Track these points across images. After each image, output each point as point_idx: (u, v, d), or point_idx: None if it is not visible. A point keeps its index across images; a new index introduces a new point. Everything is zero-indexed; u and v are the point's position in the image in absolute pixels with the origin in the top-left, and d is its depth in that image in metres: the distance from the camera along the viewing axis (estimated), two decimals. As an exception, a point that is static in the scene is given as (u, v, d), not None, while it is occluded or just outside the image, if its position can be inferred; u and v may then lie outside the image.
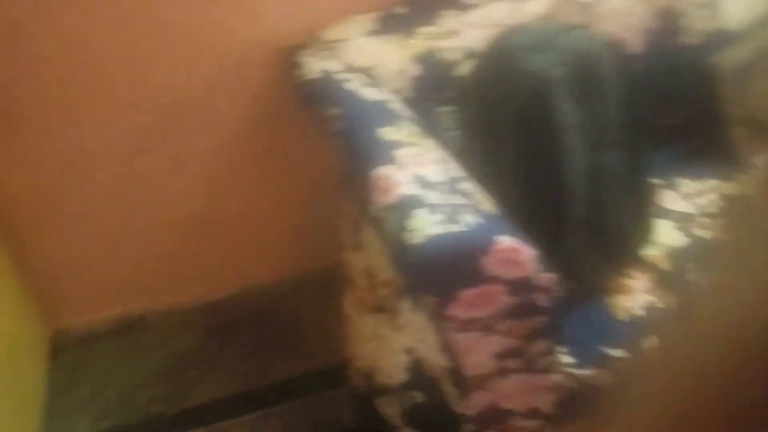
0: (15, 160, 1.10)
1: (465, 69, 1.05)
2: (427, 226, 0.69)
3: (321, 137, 1.13)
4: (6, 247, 1.16)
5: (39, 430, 1.17)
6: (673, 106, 1.11)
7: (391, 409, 1.01)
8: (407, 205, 0.72)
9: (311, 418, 1.24)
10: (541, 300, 0.72)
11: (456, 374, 0.79)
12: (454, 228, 0.69)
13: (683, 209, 1.02)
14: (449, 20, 1.09)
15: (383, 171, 0.79)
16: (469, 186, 0.78)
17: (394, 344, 0.96)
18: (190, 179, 1.22)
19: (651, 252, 0.94)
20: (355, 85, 0.98)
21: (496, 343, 0.74)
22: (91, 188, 1.16)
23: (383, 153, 0.82)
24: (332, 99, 0.96)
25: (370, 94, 0.97)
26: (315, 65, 1.03)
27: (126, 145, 1.13)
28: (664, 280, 0.91)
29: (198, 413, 1.25)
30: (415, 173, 0.78)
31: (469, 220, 0.70)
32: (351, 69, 1.02)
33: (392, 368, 0.96)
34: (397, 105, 0.96)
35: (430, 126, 0.94)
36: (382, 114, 0.91)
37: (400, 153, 0.81)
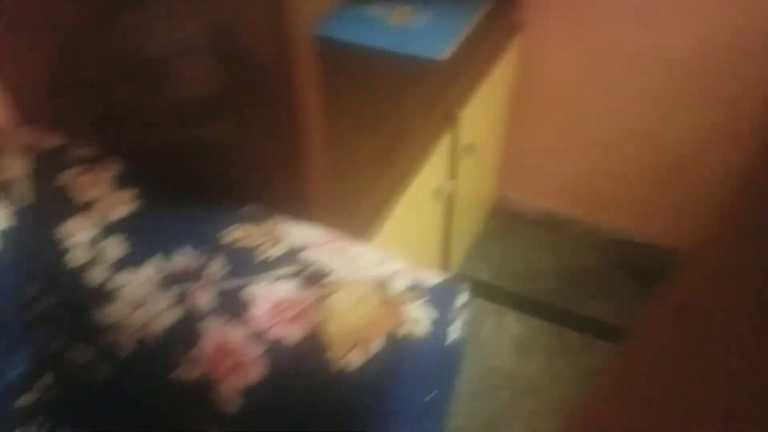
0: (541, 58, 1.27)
1: None
2: None
3: None
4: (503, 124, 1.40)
5: (462, 259, 1.46)
6: None
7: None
8: None
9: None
10: None
11: None
12: None
13: None
14: None
15: None
16: None
17: None
18: (693, 117, 1.20)
19: None
20: None
21: None
22: (597, 90, 1.27)
23: None
24: None
25: None
26: None
27: (645, 64, 1.17)
28: None
29: (580, 320, 1.34)
30: None
31: None
32: None
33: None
34: None
35: None
36: None
37: None
